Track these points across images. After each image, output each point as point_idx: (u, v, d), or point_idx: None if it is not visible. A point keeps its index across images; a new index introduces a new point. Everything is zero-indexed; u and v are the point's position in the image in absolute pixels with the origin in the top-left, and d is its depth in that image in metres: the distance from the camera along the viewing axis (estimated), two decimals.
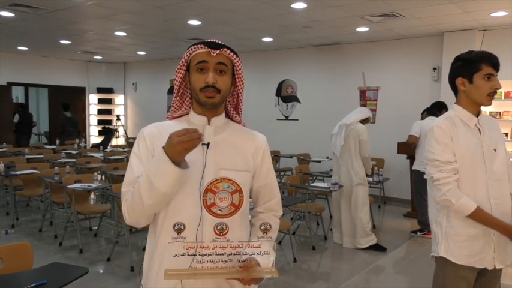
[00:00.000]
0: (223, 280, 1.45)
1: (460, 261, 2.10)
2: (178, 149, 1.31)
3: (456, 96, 2.20)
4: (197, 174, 1.45)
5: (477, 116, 2.13)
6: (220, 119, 1.56)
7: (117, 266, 4.55)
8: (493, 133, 2.17)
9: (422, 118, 5.94)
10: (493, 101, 2.16)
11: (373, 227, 6.05)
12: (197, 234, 1.42)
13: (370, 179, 5.98)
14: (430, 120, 5.73)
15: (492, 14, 5.96)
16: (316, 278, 4.40)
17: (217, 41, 1.50)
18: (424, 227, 5.78)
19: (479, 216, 2.03)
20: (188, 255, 1.29)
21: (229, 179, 1.33)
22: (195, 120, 1.55)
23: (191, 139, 1.30)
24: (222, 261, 1.32)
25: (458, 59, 2.15)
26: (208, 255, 1.31)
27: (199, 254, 1.30)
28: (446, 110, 5.82)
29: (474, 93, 2.08)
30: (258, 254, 1.36)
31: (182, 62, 1.54)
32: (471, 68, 2.07)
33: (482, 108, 2.19)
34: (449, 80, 2.20)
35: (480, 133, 2.12)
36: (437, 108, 5.86)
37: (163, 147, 1.35)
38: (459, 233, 2.10)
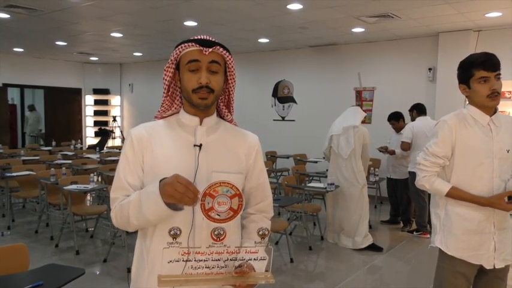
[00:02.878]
0: (218, 286, 1.40)
1: (452, 253, 2.15)
2: (167, 190, 1.26)
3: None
4: (189, 178, 1.39)
5: (491, 115, 2.16)
6: (212, 119, 1.52)
7: (114, 267, 4.54)
8: (507, 133, 2.19)
9: (412, 116, 5.92)
10: None
11: (370, 227, 6.07)
12: (190, 239, 1.38)
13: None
14: (421, 120, 5.74)
15: (487, 15, 5.99)
16: (313, 278, 4.41)
17: (208, 38, 1.44)
18: (421, 228, 5.80)
19: (456, 196, 2.14)
20: (183, 261, 1.26)
21: (228, 183, 1.28)
22: (186, 120, 1.50)
23: (183, 194, 1.24)
24: (218, 266, 1.29)
25: (458, 66, 2.20)
26: (204, 260, 1.28)
27: (194, 260, 1.27)
28: (423, 113, 5.85)
29: (474, 97, 2.14)
30: (254, 259, 1.34)
31: (171, 60, 1.47)
32: (466, 74, 2.13)
33: None
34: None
35: (492, 132, 2.14)
36: (416, 110, 5.86)
37: (160, 180, 1.31)
38: (456, 226, 2.15)
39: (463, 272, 2.15)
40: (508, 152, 2.15)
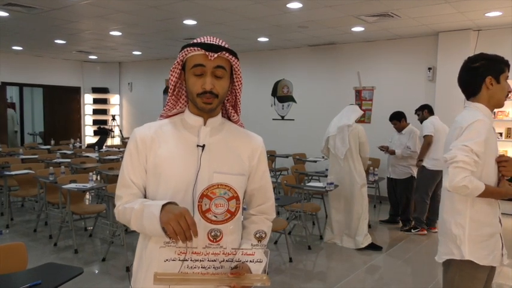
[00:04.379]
0: (214, 286, 1.38)
1: (483, 262, 2.08)
2: (170, 219, 1.25)
3: (472, 95, 2.17)
4: (191, 178, 1.42)
5: None
6: (216, 120, 1.51)
7: (113, 266, 4.53)
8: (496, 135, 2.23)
9: (422, 116, 5.89)
10: None
11: (369, 226, 6.06)
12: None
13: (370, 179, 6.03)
14: (435, 119, 5.74)
15: (487, 14, 5.99)
16: (312, 278, 4.41)
17: (215, 43, 1.41)
18: (419, 224, 5.80)
19: (488, 193, 2.03)
20: (179, 260, 1.27)
21: (226, 185, 1.30)
22: (191, 120, 1.50)
23: (182, 232, 1.24)
24: (213, 267, 1.30)
25: (480, 59, 2.13)
26: (200, 261, 1.29)
27: (191, 260, 1.28)
28: (433, 113, 5.82)
29: (498, 93, 2.10)
30: (250, 261, 1.35)
31: (177, 62, 1.46)
32: (499, 68, 2.10)
33: None
34: (469, 79, 2.16)
35: (495, 132, 2.16)
36: (427, 110, 5.85)
37: (162, 205, 1.31)
38: (482, 234, 2.09)
39: (482, 277, 2.12)
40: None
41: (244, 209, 1.62)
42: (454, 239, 2.11)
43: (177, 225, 1.24)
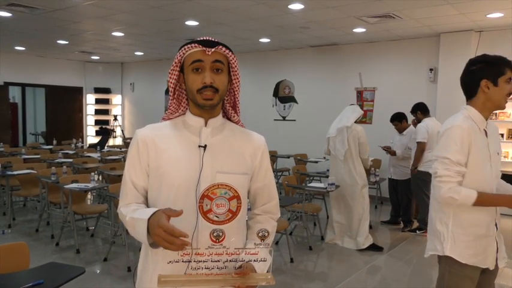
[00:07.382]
0: (218, 287, 1.38)
1: (465, 260, 2.10)
2: (156, 233, 1.25)
3: (470, 98, 2.18)
4: (193, 178, 1.42)
5: (486, 120, 2.15)
6: (217, 120, 1.52)
7: (114, 266, 4.54)
8: (495, 137, 2.21)
9: (417, 118, 5.87)
10: None
11: (370, 227, 6.06)
12: (192, 240, 1.38)
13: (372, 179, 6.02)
14: (430, 120, 5.70)
15: (488, 15, 5.99)
16: (313, 278, 4.41)
17: (210, 39, 1.44)
18: (424, 226, 5.80)
19: (484, 200, 2.04)
20: (183, 261, 1.27)
21: (226, 185, 1.29)
22: (192, 121, 1.50)
23: (170, 244, 1.23)
24: (217, 268, 1.30)
25: (478, 61, 2.14)
26: (204, 261, 1.29)
27: (194, 261, 1.28)
28: (428, 113, 5.77)
29: (496, 95, 2.09)
30: (254, 260, 1.35)
31: (175, 62, 1.48)
32: (497, 70, 2.08)
33: None
34: (467, 81, 2.17)
35: (487, 137, 2.14)
36: (420, 111, 5.77)
37: (148, 219, 1.30)
38: (467, 233, 2.11)
39: (472, 276, 2.13)
40: (498, 154, 2.19)
41: (248, 209, 1.62)
42: (438, 235, 2.18)
43: (162, 241, 1.24)
